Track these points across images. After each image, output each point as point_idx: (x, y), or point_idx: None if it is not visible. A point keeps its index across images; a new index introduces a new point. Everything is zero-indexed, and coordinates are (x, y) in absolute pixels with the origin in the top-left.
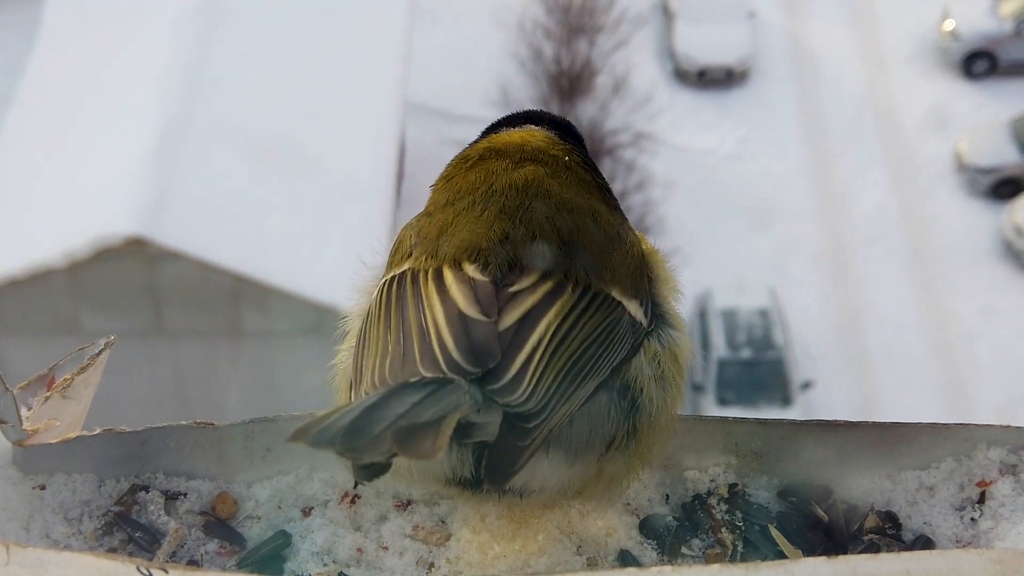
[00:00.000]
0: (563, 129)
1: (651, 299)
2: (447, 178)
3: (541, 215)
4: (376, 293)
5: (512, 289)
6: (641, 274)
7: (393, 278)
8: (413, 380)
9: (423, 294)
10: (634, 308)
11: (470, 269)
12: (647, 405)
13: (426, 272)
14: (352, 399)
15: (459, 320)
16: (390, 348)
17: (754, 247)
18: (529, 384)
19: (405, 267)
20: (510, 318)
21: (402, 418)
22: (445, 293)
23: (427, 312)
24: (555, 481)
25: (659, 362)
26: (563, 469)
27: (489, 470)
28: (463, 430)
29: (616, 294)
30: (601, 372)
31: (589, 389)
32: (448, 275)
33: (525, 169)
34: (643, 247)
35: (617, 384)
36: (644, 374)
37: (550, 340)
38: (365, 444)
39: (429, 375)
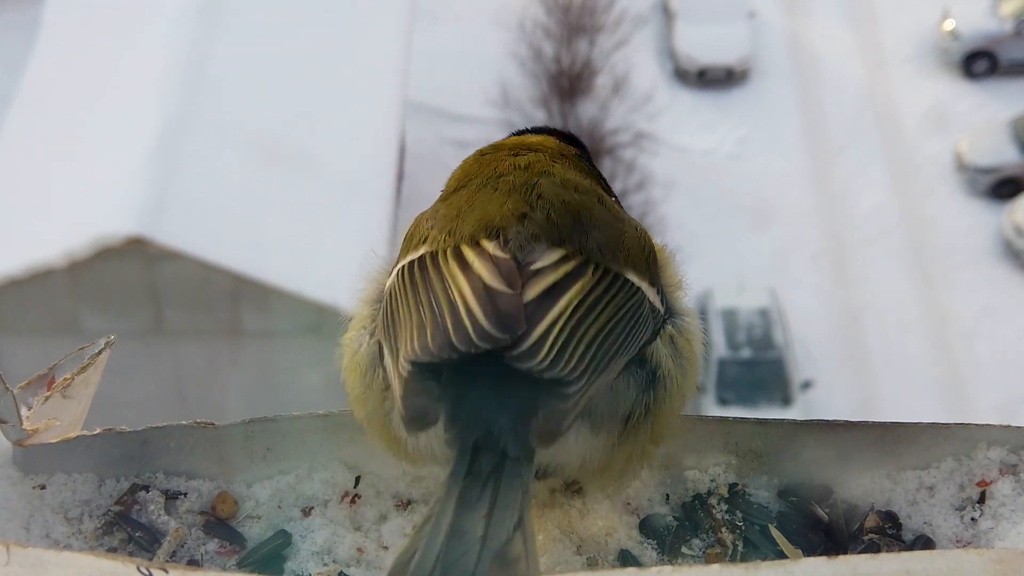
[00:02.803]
0: (570, 140)
1: (662, 290)
2: (461, 168)
3: (550, 191)
4: (395, 277)
5: (534, 267)
6: (654, 261)
7: (412, 262)
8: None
9: (445, 272)
10: (652, 295)
11: (489, 246)
12: (665, 379)
13: (444, 252)
14: (391, 375)
15: (485, 292)
16: (427, 320)
17: (754, 247)
18: (550, 351)
19: (423, 250)
20: (532, 292)
21: (486, 541)
22: (468, 269)
23: (452, 287)
24: (578, 454)
25: (676, 344)
26: (588, 439)
27: (539, 433)
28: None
29: (633, 278)
30: (630, 350)
31: (620, 365)
32: (468, 252)
33: (527, 155)
34: (652, 241)
35: (637, 360)
36: (661, 352)
37: (571, 313)
38: None
39: (463, 347)
